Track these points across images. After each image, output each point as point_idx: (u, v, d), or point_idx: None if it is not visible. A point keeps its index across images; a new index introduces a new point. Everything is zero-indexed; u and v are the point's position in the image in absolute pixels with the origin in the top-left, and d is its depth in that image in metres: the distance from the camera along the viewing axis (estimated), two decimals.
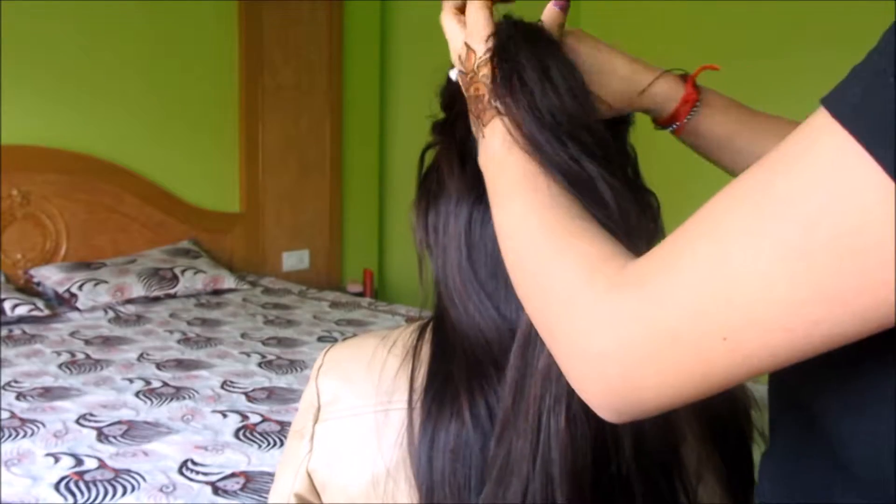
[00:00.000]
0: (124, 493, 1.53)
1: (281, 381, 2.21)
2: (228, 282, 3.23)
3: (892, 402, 0.43)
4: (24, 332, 2.59)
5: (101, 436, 1.79)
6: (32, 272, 3.00)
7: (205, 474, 1.62)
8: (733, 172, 0.75)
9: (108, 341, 2.54)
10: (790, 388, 0.52)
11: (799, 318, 0.40)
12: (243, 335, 2.65)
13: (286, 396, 2.08)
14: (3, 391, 2.05)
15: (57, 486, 1.55)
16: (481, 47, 0.64)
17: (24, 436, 1.78)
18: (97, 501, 1.51)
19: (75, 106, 3.15)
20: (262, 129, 3.62)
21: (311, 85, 3.74)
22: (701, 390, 0.46)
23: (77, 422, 1.86)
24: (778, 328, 0.41)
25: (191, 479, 1.60)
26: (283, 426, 1.86)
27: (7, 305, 2.68)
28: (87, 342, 2.52)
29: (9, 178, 2.96)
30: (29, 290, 2.96)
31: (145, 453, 1.71)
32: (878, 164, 0.36)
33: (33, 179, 3.04)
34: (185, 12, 3.38)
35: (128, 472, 1.61)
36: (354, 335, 2.35)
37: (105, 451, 1.71)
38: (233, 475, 1.62)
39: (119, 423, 1.87)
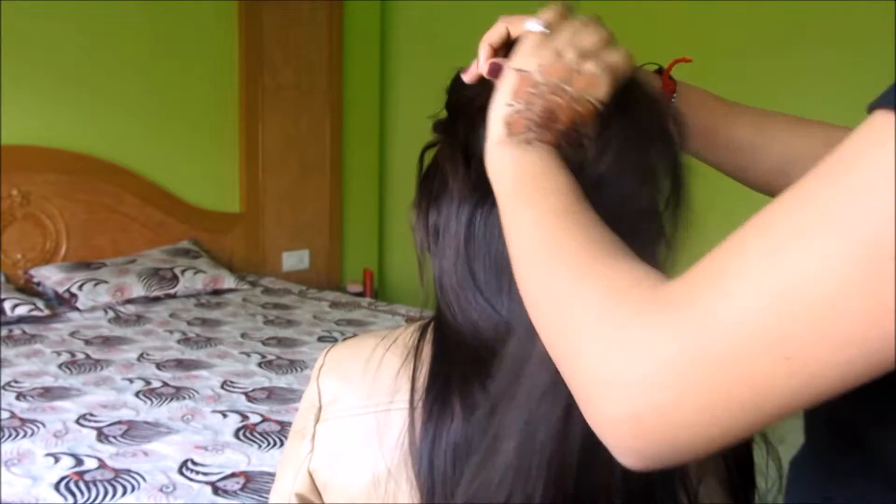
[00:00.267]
0: (124, 493, 1.53)
1: (281, 381, 2.21)
2: (228, 282, 3.23)
3: None
4: (24, 332, 2.59)
5: (101, 436, 1.79)
6: (32, 272, 3.00)
7: (205, 474, 1.62)
8: (717, 166, 0.75)
9: (108, 341, 2.54)
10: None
11: (876, 330, 0.35)
12: (243, 335, 2.65)
13: (286, 396, 2.08)
14: (3, 391, 2.05)
15: (57, 486, 1.55)
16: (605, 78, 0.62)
17: (25, 436, 1.78)
18: (97, 501, 1.51)
19: (75, 106, 3.15)
20: (262, 129, 3.63)
21: (311, 85, 3.75)
22: (746, 425, 0.40)
23: (77, 422, 1.86)
24: (853, 342, 0.36)
25: (191, 479, 1.60)
26: (283, 426, 1.86)
27: (7, 305, 2.68)
28: (87, 342, 2.52)
29: (9, 178, 2.96)
30: (29, 290, 2.96)
31: (145, 453, 1.71)
32: None
33: (33, 179, 3.04)
34: (185, 12, 3.38)
35: (128, 472, 1.61)
36: (354, 335, 2.35)
37: (105, 451, 1.71)
38: (233, 475, 1.62)
39: (119, 423, 1.87)
